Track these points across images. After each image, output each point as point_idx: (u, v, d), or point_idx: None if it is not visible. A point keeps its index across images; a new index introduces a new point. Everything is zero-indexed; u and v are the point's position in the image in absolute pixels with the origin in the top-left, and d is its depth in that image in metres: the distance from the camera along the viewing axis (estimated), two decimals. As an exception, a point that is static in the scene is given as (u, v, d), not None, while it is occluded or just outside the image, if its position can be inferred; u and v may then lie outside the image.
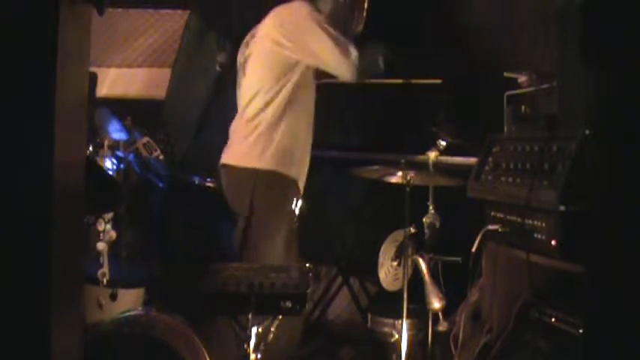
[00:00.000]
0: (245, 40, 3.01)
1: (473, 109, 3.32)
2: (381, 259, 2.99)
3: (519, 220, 2.21)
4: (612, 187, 1.44)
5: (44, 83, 1.19)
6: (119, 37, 4.30)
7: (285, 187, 2.83)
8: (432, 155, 2.94)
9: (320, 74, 2.93)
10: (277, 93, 2.80)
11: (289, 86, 2.81)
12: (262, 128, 2.80)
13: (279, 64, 2.81)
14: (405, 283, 2.67)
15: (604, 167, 1.48)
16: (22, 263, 1.20)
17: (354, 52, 2.79)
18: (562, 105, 2.30)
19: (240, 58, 3.00)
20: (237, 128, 2.90)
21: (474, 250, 2.32)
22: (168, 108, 4.22)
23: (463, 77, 3.54)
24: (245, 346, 2.13)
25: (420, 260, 2.75)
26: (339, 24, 2.90)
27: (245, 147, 2.82)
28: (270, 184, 2.81)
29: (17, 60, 1.20)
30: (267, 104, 2.80)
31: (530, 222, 2.18)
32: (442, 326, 2.69)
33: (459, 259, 2.72)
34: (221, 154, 2.96)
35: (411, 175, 2.69)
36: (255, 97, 2.82)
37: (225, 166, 2.89)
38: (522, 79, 2.67)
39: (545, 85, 2.49)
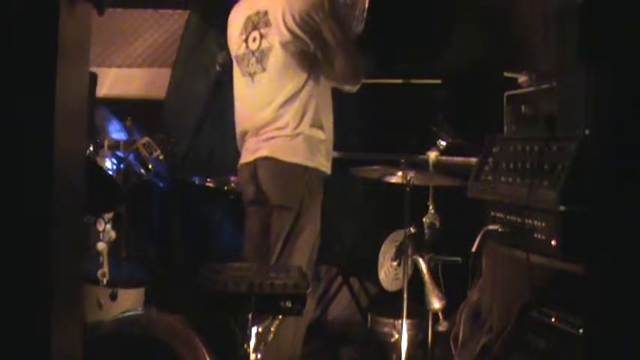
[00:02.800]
0: (250, 18, 2.91)
1: (473, 109, 3.32)
2: (381, 259, 2.99)
3: (519, 220, 2.21)
4: (612, 187, 1.44)
5: (44, 83, 1.19)
6: (119, 37, 4.29)
7: (322, 183, 2.90)
8: (432, 155, 2.94)
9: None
10: (312, 88, 2.82)
11: (323, 81, 2.85)
12: (305, 124, 2.81)
13: (305, 59, 2.81)
14: (405, 283, 2.67)
15: (604, 167, 1.48)
16: (22, 263, 1.20)
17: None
18: (562, 105, 2.30)
19: (251, 45, 2.90)
20: (268, 122, 2.85)
21: (473, 250, 2.32)
22: (168, 108, 4.22)
23: (463, 77, 3.54)
24: (245, 346, 2.13)
25: (420, 260, 2.75)
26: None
27: (293, 143, 2.80)
28: (317, 181, 2.86)
29: (17, 60, 1.20)
30: (302, 100, 2.80)
31: (530, 222, 2.18)
32: (442, 326, 2.69)
33: (459, 259, 2.72)
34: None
35: (411, 175, 2.69)
36: (289, 92, 2.80)
37: (269, 159, 2.83)
38: (522, 79, 2.67)
39: (545, 85, 2.49)
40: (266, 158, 2.84)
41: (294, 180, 2.82)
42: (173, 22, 4.33)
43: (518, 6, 3.38)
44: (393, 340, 2.84)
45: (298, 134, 2.81)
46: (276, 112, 2.82)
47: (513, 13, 3.42)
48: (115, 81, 4.29)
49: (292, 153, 2.80)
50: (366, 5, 3.14)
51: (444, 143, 2.94)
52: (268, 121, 2.84)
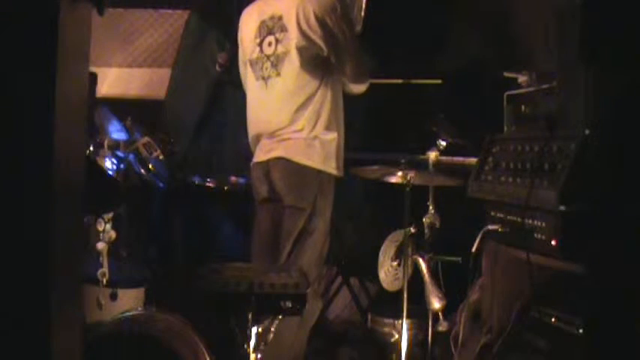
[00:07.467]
0: (265, 23, 2.93)
1: (473, 109, 3.32)
2: (381, 259, 2.99)
3: (519, 220, 2.21)
4: (612, 187, 1.44)
5: (44, 83, 1.19)
6: (119, 37, 4.29)
7: (333, 185, 2.92)
8: (432, 155, 2.94)
9: None
10: (325, 91, 2.86)
11: (335, 84, 2.89)
12: (320, 128, 2.84)
13: (319, 64, 2.84)
14: (405, 283, 2.67)
15: (604, 167, 1.48)
16: (21, 263, 1.20)
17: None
18: (562, 105, 2.30)
19: (266, 49, 2.92)
20: (284, 125, 2.87)
21: (473, 250, 2.32)
22: (168, 108, 4.22)
23: (463, 77, 3.54)
24: (245, 346, 2.13)
25: (420, 260, 2.75)
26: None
27: (308, 147, 2.84)
28: (329, 184, 2.89)
29: (17, 60, 1.20)
30: (316, 104, 2.84)
31: (530, 222, 2.17)
32: (442, 326, 2.69)
33: (459, 259, 2.72)
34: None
35: (411, 175, 2.69)
36: (304, 97, 2.83)
37: (283, 159, 2.86)
38: (522, 79, 2.67)
39: (545, 85, 2.49)
40: (280, 159, 2.87)
41: (307, 181, 2.85)
42: (173, 22, 4.33)
43: (519, 6, 3.37)
44: (393, 340, 2.84)
45: (314, 138, 2.84)
46: (292, 117, 2.85)
47: (513, 13, 3.42)
48: (115, 81, 4.29)
49: (307, 156, 2.84)
50: (364, 5, 3.14)
51: (444, 143, 2.94)
52: (283, 125, 2.87)
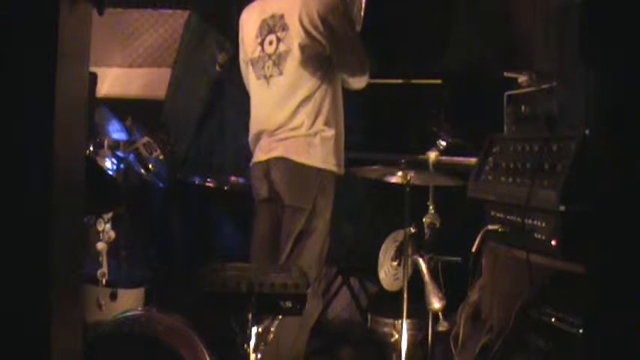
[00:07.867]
0: (265, 22, 2.94)
1: (473, 109, 3.32)
2: (381, 259, 2.99)
3: (519, 220, 2.21)
4: (612, 187, 1.44)
5: (44, 83, 1.19)
6: (119, 37, 4.29)
7: (334, 184, 2.93)
8: (432, 155, 2.94)
9: None
10: (326, 88, 2.87)
11: (335, 81, 2.90)
12: (319, 123, 2.86)
13: (320, 61, 2.85)
14: (405, 283, 2.67)
15: (604, 167, 1.48)
16: (21, 262, 1.20)
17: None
18: (562, 105, 2.30)
19: (267, 48, 2.93)
20: (284, 123, 2.88)
21: (474, 250, 2.32)
22: (168, 108, 4.22)
23: (463, 77, 3.54)
24: (245, 346, 2.13)
25: (420, 260, 2.75)
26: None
27: (307, 144, 2.84)
28: (330, 184, 2.90)
29: (17, 60, 1.20)
30: (317, 100, 2.85)
31: (530, 222, 2.18)
32: (442, 326, 2.69)
33: (459, 259, 2.72)
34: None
35: (411, 175, 2.68)
36: (305, 94, 2.84)
37: (282, 159, 2.87)
38: (522, 79, 2.66)
39: (545, 85, 2.48)
40: (280, 158, 2.88)
41: (307, 181, 2.85)
42: (173, 22, 4.33)
43: (519, 6, 3.37)
44: (393, 340, 2.84)
45: (313, 134, 2.85)
46: (292, 114, 2.86)
47: (514, 13, 3.42)
48: (115, 81, 4.29)
49: (306, 154, 2.84)
50: (363, 5, 3.15)
51: (444, 143, 2.94)
52: (284, 123, 2.88)
